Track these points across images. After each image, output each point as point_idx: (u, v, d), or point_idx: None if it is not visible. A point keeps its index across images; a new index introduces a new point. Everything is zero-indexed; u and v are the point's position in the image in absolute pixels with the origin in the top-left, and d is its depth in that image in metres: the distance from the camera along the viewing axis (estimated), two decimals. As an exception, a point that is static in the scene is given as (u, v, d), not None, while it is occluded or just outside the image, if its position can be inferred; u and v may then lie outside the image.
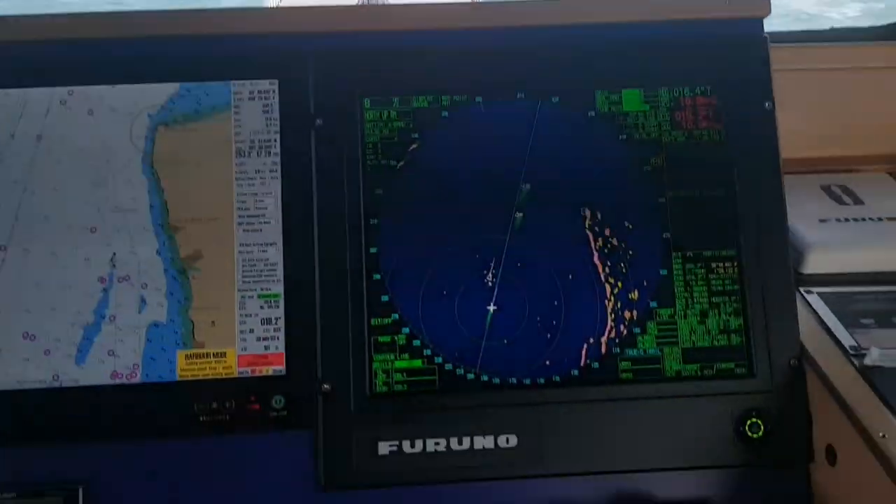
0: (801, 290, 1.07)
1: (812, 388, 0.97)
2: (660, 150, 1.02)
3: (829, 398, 0.94)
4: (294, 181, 0.99)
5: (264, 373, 0.96)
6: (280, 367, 0.97)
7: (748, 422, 0.96)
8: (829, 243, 1.13)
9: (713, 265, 1.00)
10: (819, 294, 1.08)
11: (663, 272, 1.00)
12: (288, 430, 0.95)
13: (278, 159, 1.00)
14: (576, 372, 0.98)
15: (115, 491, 0.94)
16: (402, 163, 1.01)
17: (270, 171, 1.00)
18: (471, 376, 0.97)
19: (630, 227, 1.01)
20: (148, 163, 0.99)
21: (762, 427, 0.96)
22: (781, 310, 0.99)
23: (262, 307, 0.97)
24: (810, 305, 1.06)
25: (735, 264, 1.00)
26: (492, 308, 0.99)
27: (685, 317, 0.99)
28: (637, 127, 1.02)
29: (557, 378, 0.98)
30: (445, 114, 1.02)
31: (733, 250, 1.00)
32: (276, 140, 1.00)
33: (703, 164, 1.02)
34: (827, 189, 1.27)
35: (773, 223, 1.01)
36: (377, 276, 0.98)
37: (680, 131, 1.02)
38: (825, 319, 1.03)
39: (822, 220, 1.18)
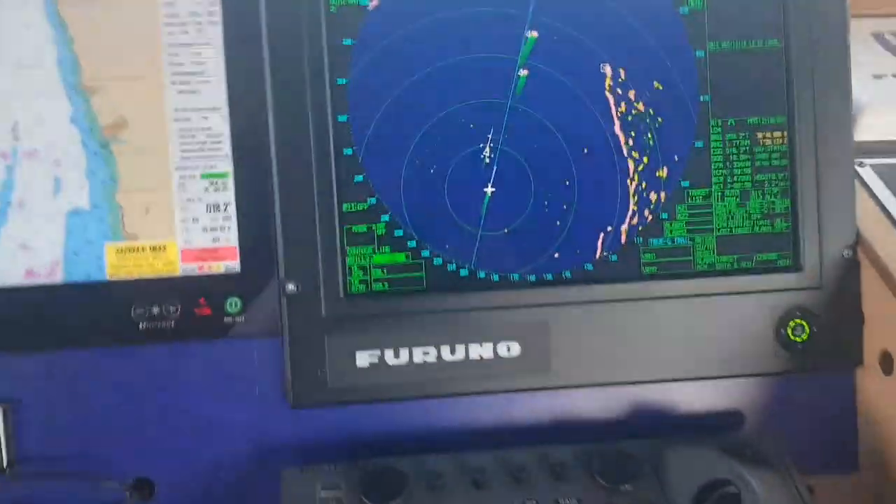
0: (853, 161, 0.90)
1: (867, 282, 0.82)
2: (700, -10, 0.81)
3: (889, 295, 0.79)
4: (239, 26, 0.78)
5: (214, 270, 0.79)
6: (233, 263, 0.79)
7: (791, 323, 0.82)
8: (886, 104, 0.95)
9: (759, 135, 0.82)
10: (873, 167, 0.91)
11: (699, 144, 0.82)
12: (246, 338, 0.79)
13: (218, -1, 0.78)
14: (590, 266, 0.82)
15: (41, 412, 0.78)
16: (375, 2, 0.79)
17: (209, 13, 0.78)
18: (465, 272, 0.81)
19: (660, 87, 0.81)
20: (53, 6, 0.77)
21: (807, 329, 0.81)
22: (838, 190, 0.82)
23: (206, 189, 0.78)
24: (864, 181, 0.89)
25: (785, 134, 0.82)
26: (489, 190, 0.81)
27: (722, 198, 0.82)
28: (674, -41, 0.81)
29: (568, 274, 0.81)
30: (431, -61, 0.79)
31: (783, 116, 0.82)
32: (213, -26, 0.78)
33: (752, 7, 0.82)
34: (880, 37, 1.07)
35: (834, 84, 0.82)
36: (348, 151, 0.79)
37: (726, -35, 0.82)
38: (882, 199, 0.87)
39: (876, 77, 0.99)
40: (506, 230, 0.81)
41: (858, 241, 0.82)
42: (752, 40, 0.82)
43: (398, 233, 0.80)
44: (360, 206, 0.79)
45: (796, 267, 0.82)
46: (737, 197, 0.82)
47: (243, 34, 0.78)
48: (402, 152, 0.80)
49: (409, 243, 0.80)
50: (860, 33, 1.06)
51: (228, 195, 0.78)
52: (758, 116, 0.82)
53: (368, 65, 0.79)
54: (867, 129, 0.93)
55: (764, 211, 0.83)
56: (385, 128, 0.79)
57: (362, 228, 0.80)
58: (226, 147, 0.78)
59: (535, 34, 0.80)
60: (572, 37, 0.80)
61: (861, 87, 0.95)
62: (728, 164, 0.82)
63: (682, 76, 0.81)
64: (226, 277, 0.79)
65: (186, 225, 0.78)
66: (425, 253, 0.80)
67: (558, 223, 0.81)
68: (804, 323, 0.82)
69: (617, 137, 0.81)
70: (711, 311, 0.81)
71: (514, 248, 0.81)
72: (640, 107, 0.81)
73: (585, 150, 0.81)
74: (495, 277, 0.81)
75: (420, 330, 0.79)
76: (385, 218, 0.80)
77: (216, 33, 0.78)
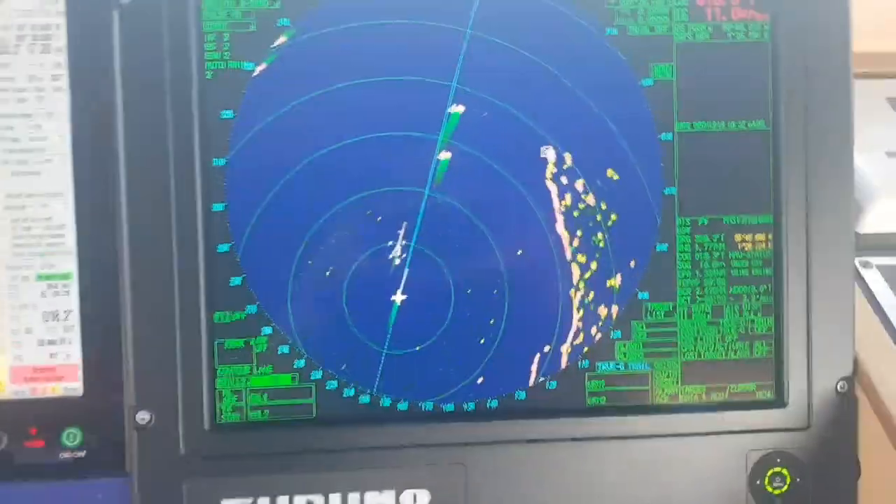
0: (856, 260, 0.74)
1: (866, 424, 0.66)
2: (669, 55, 0.66)
3: (889, 444, 0.64)
4: (89, 95, 0.63)
5: (50, 393, 0.63)
6: (74, 385, 0.64)
7: (770, 472, 0.66)
8: (901, 190, 0.79)
9: (738, 238, 0.66)
10: (881, 268, 0.75)
11: (662, 247, 0.66)
12: (87, 479, 0.64)
13: (64, 58, 0.63)
14: (522, 395, 0.66)
15: None
16: (262, 66, 0.64)
17: (52, 78, 0.63)
18: (365, 399, 0.65)
19: (615, 176, 0.66)
20: None
21: (788, 479, 0.65)
22: (833, 307, 0.66)
23: (44, 294, 0.63)
24: (867, 287, 0.73)
25: (770, 237, 0.66)
26: (399, 298, 0.65)
27: (690, 315, 0.66)
28: (635, 15, 0.65)
29: (494, 404, 0.66)
30: (333, -12, 0.64)
31: (768, 215, 0.66)
32: (59, 27, 0.62)
33: (734, 79, 0.66)
34: (896, 103, 0.91)
35: (833, 174, 0.66)
36: (223, 247, 0.64)
37: (702, 24, 0.66)
38: (890, 313, 0.71)
39: (890, 154, 0.83)
40: (417, 348, 0.65)
41: (856, 371, 0.66)
42: (731, 121, 0.66)
43: (283, 349, 0.64)
44: (237, 316, 0.64)
45: (779, 402, 0.66)
46: (707, 313, 0.66)
47: (95, 103, 0.63)
48: (292, 250, 0.64)
49: (296, 362, 0.64)
50: (872, 98, 0.90)
51: (71, 301, 0.63)
52: (736, 215, 0.66)
53: (252, 142, 0.63)
54: (878, 220, 0.78)
55: (741, 331, 0.67)
56: (271, 219, 0.64)
57: (238, 343, 0.64)
58: (69, 241, 0.63)
59: (460, 109, 0.65)
60: (506, 112, 0.65)
61: (872, 167, 0.80)
62: (698, 272, 0.66)
63: (642, 163, 0.65)
64: (64, 402, 0.63)
65: (18, 337, 0.63)
66: (316, 375, 0.65)
67: (483, 341, 0.65)
68: (785, 472, 0.66)
69: (559, 237, 0.65)
70: (672, 456, 0.65)
71: (427, 371, 0.65)
72: (590, 200, 0.65)
73: (519, 252, 0.65)
74: (403, 406, 0.65)
75: (305, 473, 0.64)
76: (267, 331, 0.64)
77: (61, 102, 0.62)
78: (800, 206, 0.65)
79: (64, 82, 0.62)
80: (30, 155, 0.62)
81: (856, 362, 0.66)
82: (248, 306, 0.64)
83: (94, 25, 0.62)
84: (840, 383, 0.66)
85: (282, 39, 0.64)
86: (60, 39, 0.62)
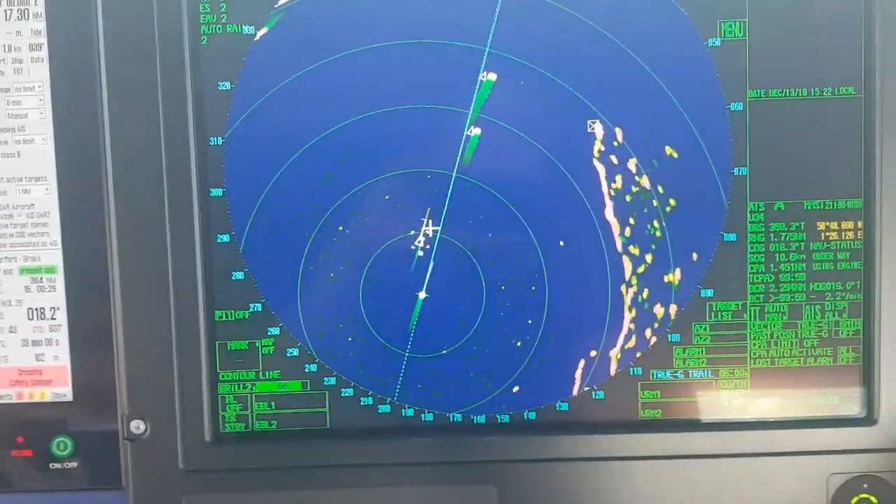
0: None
1: (974, 446, 0.56)
2: (740, 10, 0.55)
3: None
4: (72, 65, 0.56)
5: (38, 398, 0.57)
6: (63, 390, 0.57)
7: (855, 499, 0.56)
8: None
9: (821, 226, 0.56)
10: None
11: (730, 237, 0.56)
12: (79, 490, 0.58)
13: (43, 25, 0.55)
14: (564, 406, 0.58)
15: None
16: (264, 30, 0.56)
17: (31, 47, 0.56)
18: (385, 409, 0.58)
19: (674, 154, 0.56)
20: None
21: (878, 508, 0.56)
22: (936, 308, 0.56)
23: (27, 288, 0.57)
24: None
25: (860, 225, 0.56)
26: (422, 295, 0.57)
27: (762, 315, 0.57)
28: (701, -36, 0.55)
29: (532, 416, 0.58)
30: (345, -62, 0.55)
31: (858, 200, 0.56)
32: (37, -11, 0.55)
33: (817, 37, 0.55)
34: None
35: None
36: (224, 237, 0.57)
37: (781, -27, 0.55)
38: None
39: None
40: (444, 352, 0.57)
41: (963, 382, 0.56)
42: (814, 87, 0.55)
43: (292, 352, 0.57)
44: (240, 315, 0.57)
45: (867, 418, 0.57)
46: (783, 314, 0.57)
47: (78, 76, 0.55)
48: (300, 241, 0.56)
49: (307, 367, 0.57)
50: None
51: (58, 297, 0.57)
52: (819, 199, 0.56)
53: (253, 117, 0.56)
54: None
55: (823, 335, 0.57)
56: (276, 206, 0.56)
57: (242, 345, 0.57)
58: (54, 231, 0.56)
59: (492, 76, 0.56)
60: (547, 81, 0.55)
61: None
62: (773, 266, 0.56)
63: (708, 138, 0.56)
64: (53, 408, 0.57)
65: (1, 336, 0.57)
66: (330, 381, 0.57)
67: (519, 344, 0.57)
68: (874, 500, 0.56)
69: (608, 225, 0.56)
70: (738, 480, 0.57)
71: (455, 378, 0.57)
72: (644, 182, 0.56)
73: (562, 243, 0.56)
74: (428, 417, 0.58)
75: (317, 489, 0.57)
76: (274, 331, 0.57)
77: (41, 73, 0.55)
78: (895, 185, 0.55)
79: (44, 52, 0.55)
80: (8, 134, 0.56)
81: (961, 372, 0.56)
82: (253, 304, 0.57)
83: (75, -14, 0.55)
84: (941, 397, 0.56)
85: (287, -1, 0.55)
86: (39, 4, 0.55)
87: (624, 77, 0.55)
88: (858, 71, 0.55)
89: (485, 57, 0.56)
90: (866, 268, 0.56)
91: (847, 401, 0.57)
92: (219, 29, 0.55)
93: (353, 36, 0.56)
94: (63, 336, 0.57)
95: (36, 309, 0.57)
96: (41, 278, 0.57)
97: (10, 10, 0.55)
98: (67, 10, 0.55)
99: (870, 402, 0.57)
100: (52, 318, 0.57)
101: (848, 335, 0.57)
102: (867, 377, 0.57)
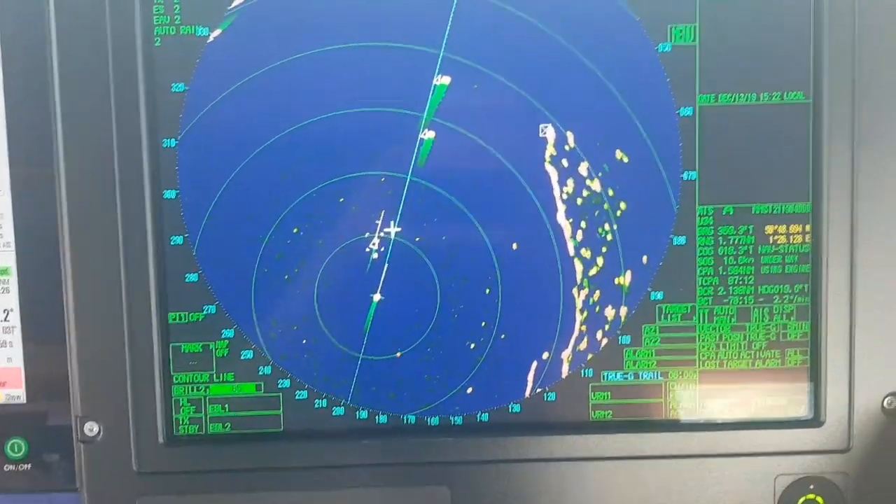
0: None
1: (918, 446, 0.57)
2: (690, 15, 0.56)
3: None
4: (24, 67, 0.55)
5: (-9, 399, 0.58)
6: (16, 392, 0.57)
7: (801, 499, 0.57)
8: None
9: (769, 230, 0.57)
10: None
11: (679, 240, 0.57)
12: (34, 492, 0.58)
13: (-7, 23, 0.55)
14: (517, 408, 0.58)
15: None
16: (217, 31, 0.56)
17: (-18, 46, 0.56)
18: (339, 411, 0.58)
19: (625, 158, 0.57)
20: None
21: (824, 509, 0.57)
22: (881, 310, 0.57)
23: (-20, 290, 0.57)
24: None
25: (808, 229, 0.57)
26: (377, 297, 0.57)
27: (711, 318, 0.58)
28: (652, -30, 0.56)
29: (485, 417, 0.58)
30: (298, -60, 0.56)
31: (806, 204, 0.57)
32: (-12, -12, 0.55)
33: (768, 43, 0.56)
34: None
35: (884, 156, 0.56)
36: (177, 239, 0.57)
37: (731, -22, 0.56)
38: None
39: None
40: (398, 354, 0.58)
41: (908, 384, 0.57)
42: (764, 92, 0.56)
43: (247, 354, 0.57)
44: (194, 317, 0.57)
45: (814, 420, 0.58)
46: (732, 317, 0.57)
47: (30, 78, 0.55)
48: (254, 242, 0.57)
49: (261, 369, 0.57)
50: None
51: (11, 299, 0.57)
52: (768, 203, 0.57)
53: (206, 119, 0.56)
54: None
55: (771, 338, 0.58)
56: (230, 208, 0.56)
57: (195, 348, 0.57)
58: (7, 233, 0.56)
59: (446, 80, 0.56)
60: (499, 85, 0.56)
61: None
62: (721, 269, 0.57)
63: (657, 143, 0.56)
64: (6, 410, 0.57)
65: (-46, 338, 0.57)
66: (284, 383, 0.58)
67: (473, 346, 0.58)
68: (820, 500, 0.57)
69: (560, 228, 0.57)
70: (687, 481, 0.57)
71: (409, 380, 0.58)
72: (595, 186, 0.57)
73: (514, 246, 0.57)
74: (382, 420, 0.58)
75: (272, 491, 0.57)
76: (228, 334, 0.57)
77: (-9, 68, 0.55)
78: (844, 193, 0.56)
79: (-7, 44, 0.55)
80: (-40, 136, 0.56)
81: (906, 374, 0.57)
82: (206, 306, 0.57)
83: (26, -13, 0.55)
84: (887, 399, 0.57)
85: (240, 0, 0.55)
86: (-11, 5, 0.55)
87: (575, 82, 0.56)
88: (807, 76, 0.56)
89: (439, 60, 0.56)
90: (814, 271, 0.57)
91: (794, 403, 0.58)
92: (172, 30, 0.55)
93: (308, 38, 0.56)
94: (16, 338, 0.57)
95: (-11, 310, 0.57)
96: (-6, 280, 0.57)
97: (-40, 11, 0.55)
98: (19, 10, 0.55)
99: (816, 403, 0.58)
100: (6, 321, 0.57)
101: (796, 338, 0.58)
102: (815, 380, 0.58)
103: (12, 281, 0.57)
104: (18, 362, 0.57)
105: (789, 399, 0.58)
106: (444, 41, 0.56)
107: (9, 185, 0.56)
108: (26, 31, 0.55)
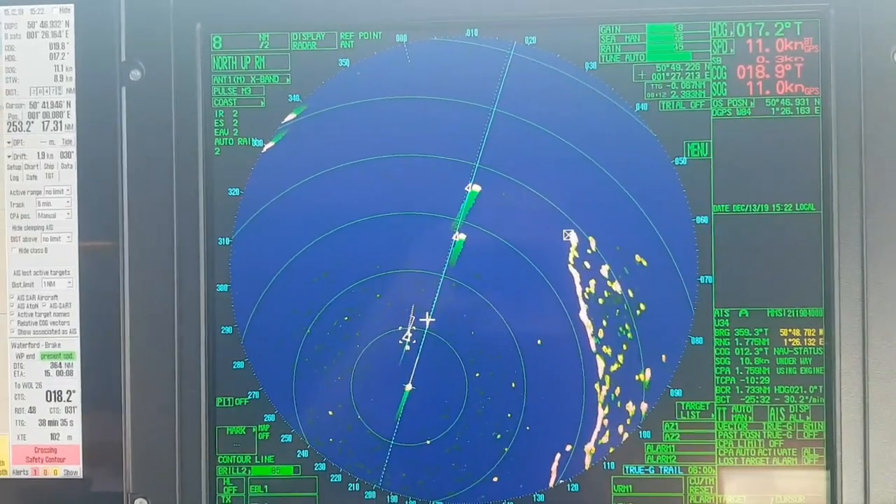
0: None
1: (936, 549, 0.58)
2: (705, 132, 0.60)
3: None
4: (97, 171, 0.62)
5: (52, 474, 0.62)
6: (74, 468, 0.62)
7: None
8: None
9: (783, 332, 0.60)
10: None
11: (697, 340, 0.60)
12: (87, 565, 0.62)
13: (74, 135, 0.62)
14: (541, 498, 0.61)
15: None
16: (271, 144, 0.62)
17: (62, 155, 0.62)
18: (371, 495, 0.61)
19: (644, 262, 0.60)
20: None
21: None
22: (895, 409, 0.59)
23: (47, 372, 0.62)
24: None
25: (821, 332, 0.60)
26: (408, 388, 0.61)
27: (729, 415, 0.60)
28: (668, 90, 0.60)
29: (509, 506, 0.61)
30: (345, 62, 0.61)
31: (819, 309, 0.60)
32: (70, 103, 0.62)
33: (779, 158, 0.60)
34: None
35: (894, 263, 0.59)
36: (227, 329, 0.61)
37: (743, 99, 0.60)
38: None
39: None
40: (428, 442, 0.61)
41: (926, 485, 0.59)
42: (776, 203, 0.60)
43: (286, 438, 0.61)
44: (239, 402, 0.61)
45: (832, 518, 0.59)
46: (749, 415, 0.60)
47: (102, 182, 0.61)
48: (297, 334, 0.61)
49: (299, 453, 0.61)
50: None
51: (74, 381, 0.62)
52: (782, 307, 0.60)
53: (258, 221, 0.61)
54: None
55: (787, 436, 0.60)
56: (276, 302, 0.61)
57: (240, 430, 0.61)
58: (73, 320, 0.62)
59: (477, 188, 0.61)
60: (526, 193, 0.60)
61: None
62: (738, 369, 0.60)
63: (675, 248, 0.60)
64: (65, 485, 0.62)
65: (21, 416, 0.62)
66: (320, 467, 0.61)
67: (499, 436, 0.61)
68: None
69: (583, 326, 0.60)
70: (705, 575, 0.59)
71: (437, 467, 0.61)
72: (616, 287, 0.60)
73: (539, 342, 0.61)
74: (411, 503, 0.61)
75: (306, 571, 0.60)
76: (270, 418, 0.61)
77: (70, 178, 0.62)
78: (855, 299, 0.58)
79: (72, 159, 0.62)
80: (36, 231, 0.62)
81: (923, 476, 0.59)
82: (251, 392, 0.61)
83: (103, 102, 0.61)
84: (904, 500, 0.59)
85: (291, 116, 0.61)
86: (71, 116, 0.62)
87: (597, 191, 0.60)
88: (817, 189, 0.59)
89: (474, 172, 0.61)
90: (828, 372, 0.59)
91: (812, 500, 0.60)
92: (231, 142, 0.61)
93: (353, 149, 0.61)
94: (77, 418, 0.62)
95: (54, 391, 0.62)
96: (60, 363, 0.62)
97: (47, 121, 0.62)
98: (96, 122, 0.62)
99: (833, 502, 0.59)
100: (69, 401, 0.62)
101: (812, 436, 0.60)
102: (831, 478, 0.59)
103: (76, 364, 0.62)
104: (77, 440, 0.62)
105: (807, 496, 0.60)
106: (480, 154, 0.61)
107: (77, 278, 0.61)
108: (101, 142, 0.61)
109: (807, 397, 0.60)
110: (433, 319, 0.61)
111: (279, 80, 0.61)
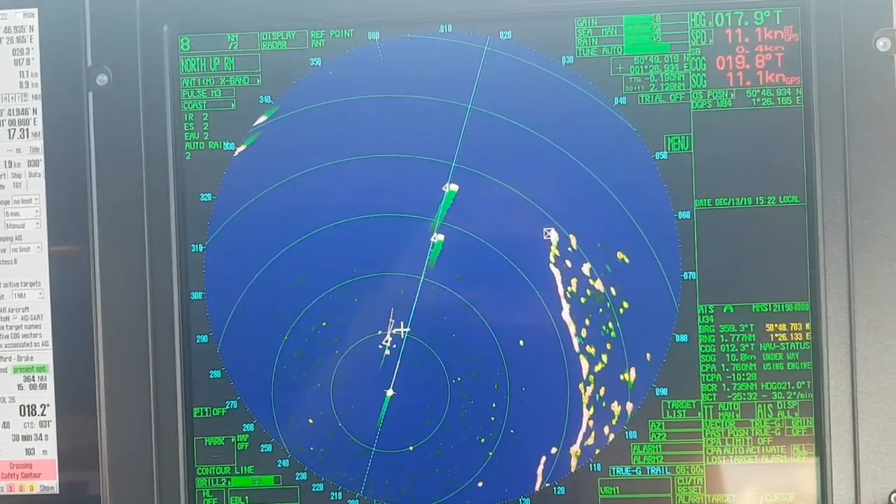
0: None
1: (929, 544, 0.57)
2: (685, 125, 0.59)
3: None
4: (66, 179, 0.60)
5: (27, 490, 0.61)
6: (50, 483, 0.61)
7: None
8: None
9: (769, 328, 0.59)
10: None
11: (682, 338, 0.59)
12: (62, 580, 0.61)
13: (41, 143, 0.60)
14: (527, 501, 0.60)
15: None
16: (243, 147, 0.60)
17: (30, 164, 0.61)
18: (354, 503, 0.60)
19: (626, 260, 0.59)
20: None
21: None
22: (884, 405, 0.58)
23: (20, 386, 0.61)
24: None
25: (808, 327, 0.59)
26: (389, 393, 0.60)
27: (715, 413, 0.59)
28: (647, 83, 0.59)
29: (495, 510, 0.60)
30: (317, 61, 0.60)
31: (804, 303, 0.59)
32: (36, 110, 0.60)
33: (761, 150, 0.59)
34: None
35: (880, 257, 0.58)
36: (202, 338, 0.60)
37: (723, 91, 0.59)
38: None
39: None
40: (410, 448, 0.60)
41: (915, 479, 0.58)
42: (759, 196, 0.59)
43: (266, 448, 0.60)
44: (217, 412, 0.60)
45: (822, 515, 0.58)
46: (736, 412, 0.59)
47: (71, 189, 0.60)
48: (274, 341, 0.60)
49: (280, 462, 0.60)
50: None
51: (47, 394, 0.60)
52: (767, 302, 0.59)
53: (232, 226, 0.60)
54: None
55: (776, 433, 0.59)
56: (252, 309, 0.60)
57: (218, 441, 0.60)
58: (45, 333, 0.60)
59: (454, 187, 0.59)
60: (505, 192, 0.59)
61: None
62: (724, 366, 0.59)
63: (657, 245, 0.59)
64: (41, 501, 0.60)
65: (-6, 432, 0.61)
66: (302, 476, 0.60)
67: (483, 440, 0.60)
68: None
69: (565, 326, 0.59)
70: (695, 576, 0.58)
71: (421, 473, 0.60)
72: (598, 286, 0.59)
73: (522, 343, 0.59)
74: (394, 512, 0.60)
75: (288, 582, 0.59)
76: (249, 428, 0.60)
77: (38, 187, 0.60)
78: (842, 292, 0.57)
79: (40, 168, 0.60)
80: (6, 243, 0.60)
81: (913, 470, 0.58)
82: (229, 401, 0.60)
83: (70, 108, 0.60)
84: (894, 495, 0.57)
85: (263, 118, 0.60)
86: (37, 124, 0.60)
87: (577, 188, 0.59)
88: (801, 181, 0.58)
89: (451, 171, 0.59)
90: (815, 368, 0.58)
91: (802, 498, 0.59)
92: (201, 146, 0.60)
93: (325, 151, 0.60)
94: (52, 432, 0.60)
95: (27, 405, 0.61)
96: (33, 376, 0.60)
97: (13, 129, 0.60)
98: (63, 128, 0.60)
99: (823, 498, 0.58)
100: (43, 415, 0.60)
101: (800, 433, 0.59)
102: (822, 475, 0.58)
103: (49, 377, 0.60)
104: (53, 455, 0.61)
105: (797, 494, 0.59)
106: (457, 153, 0.59)
107: (49, 289, 0.60)
108: (69, 149, 0.60)
109: (794, 393, 0.59)
110: (412, 325, 0.60)
111: (249, 81, 0.60)
